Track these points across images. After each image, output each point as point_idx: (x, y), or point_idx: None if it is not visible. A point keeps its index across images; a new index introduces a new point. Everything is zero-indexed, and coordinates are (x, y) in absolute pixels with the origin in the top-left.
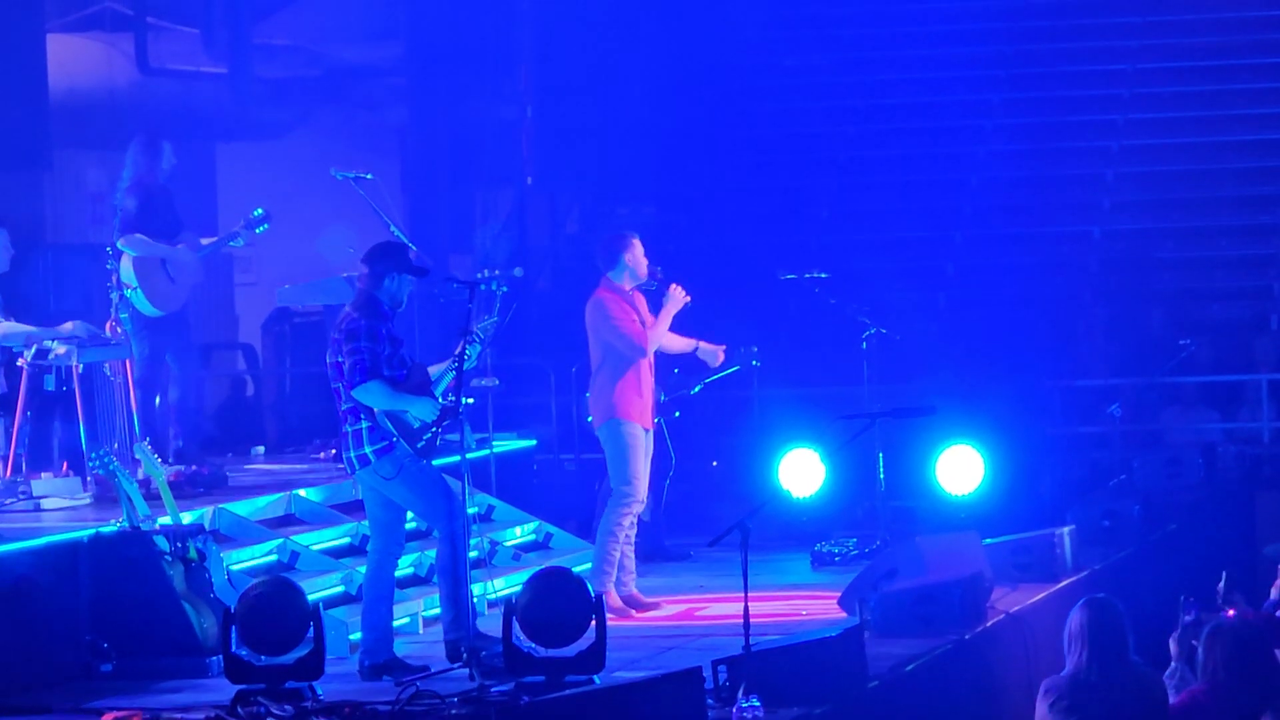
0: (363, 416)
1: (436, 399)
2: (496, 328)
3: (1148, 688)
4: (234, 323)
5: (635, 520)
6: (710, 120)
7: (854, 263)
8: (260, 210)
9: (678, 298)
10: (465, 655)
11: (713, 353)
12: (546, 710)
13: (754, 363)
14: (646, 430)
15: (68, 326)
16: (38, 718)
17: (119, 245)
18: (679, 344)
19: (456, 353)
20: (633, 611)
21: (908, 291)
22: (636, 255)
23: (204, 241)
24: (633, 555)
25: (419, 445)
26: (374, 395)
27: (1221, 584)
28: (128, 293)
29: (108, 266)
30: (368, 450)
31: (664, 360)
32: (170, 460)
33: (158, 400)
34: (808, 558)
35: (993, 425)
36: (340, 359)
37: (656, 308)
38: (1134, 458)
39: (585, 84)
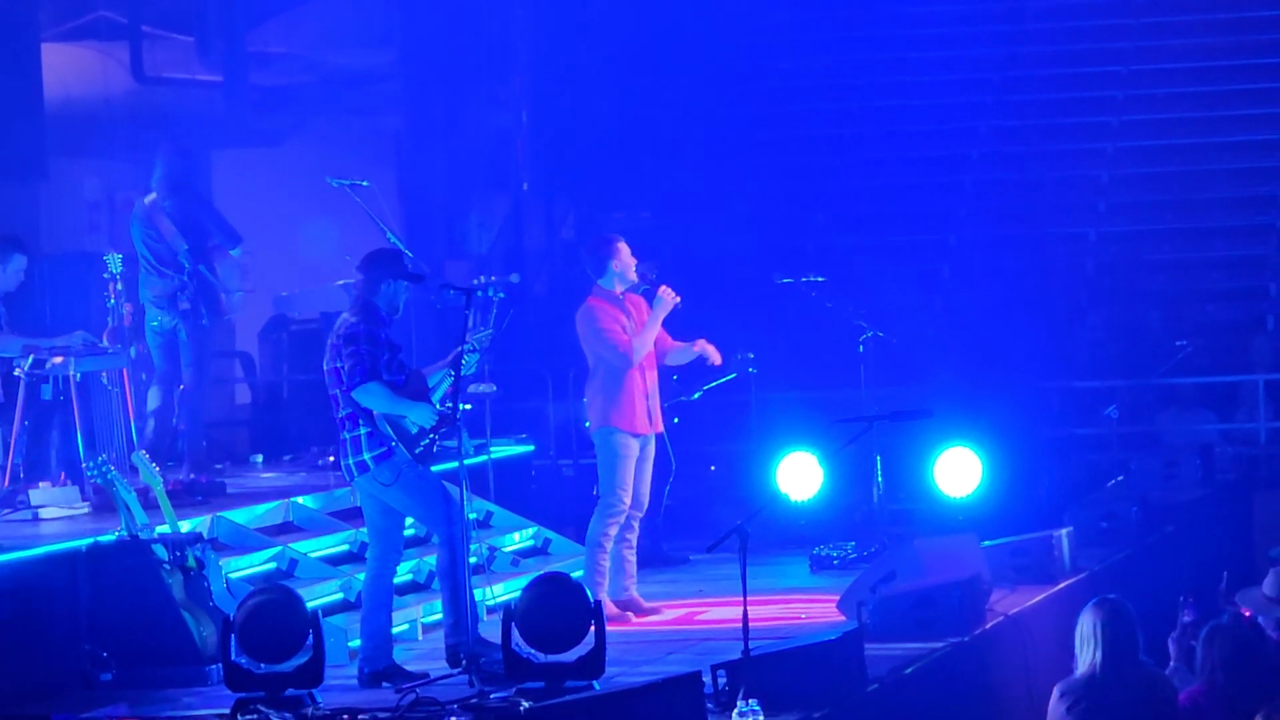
0: (361, 423)
1: (435, 405)
2: (493, 336)
3: (1159, 688)
4: (230, 330)
5: (635, 526)
6: (705, 124)
7: (850, 266)
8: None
9: (667, 300)
10: (465, 661)
11: (709, 353)
12: (546, 716)
13: (750, 369)
14: (641, 436)
15: (76, 336)
16: None
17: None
18: (681, 354)
19: (453, 359)
20: (630, 616)
21: (904, 294)
22: (623, 259)
23: None
24: (634, 559)
25: (417, 451)
26: (374, 397)
27: (1223, 584)
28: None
29: (183, 263)
30: (366, 456)
31: (663, 366)
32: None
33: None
34: (806, 561)
35: (990, 427)
36: (340, 363)
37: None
38: (1131, 459)
39: (580, 89)
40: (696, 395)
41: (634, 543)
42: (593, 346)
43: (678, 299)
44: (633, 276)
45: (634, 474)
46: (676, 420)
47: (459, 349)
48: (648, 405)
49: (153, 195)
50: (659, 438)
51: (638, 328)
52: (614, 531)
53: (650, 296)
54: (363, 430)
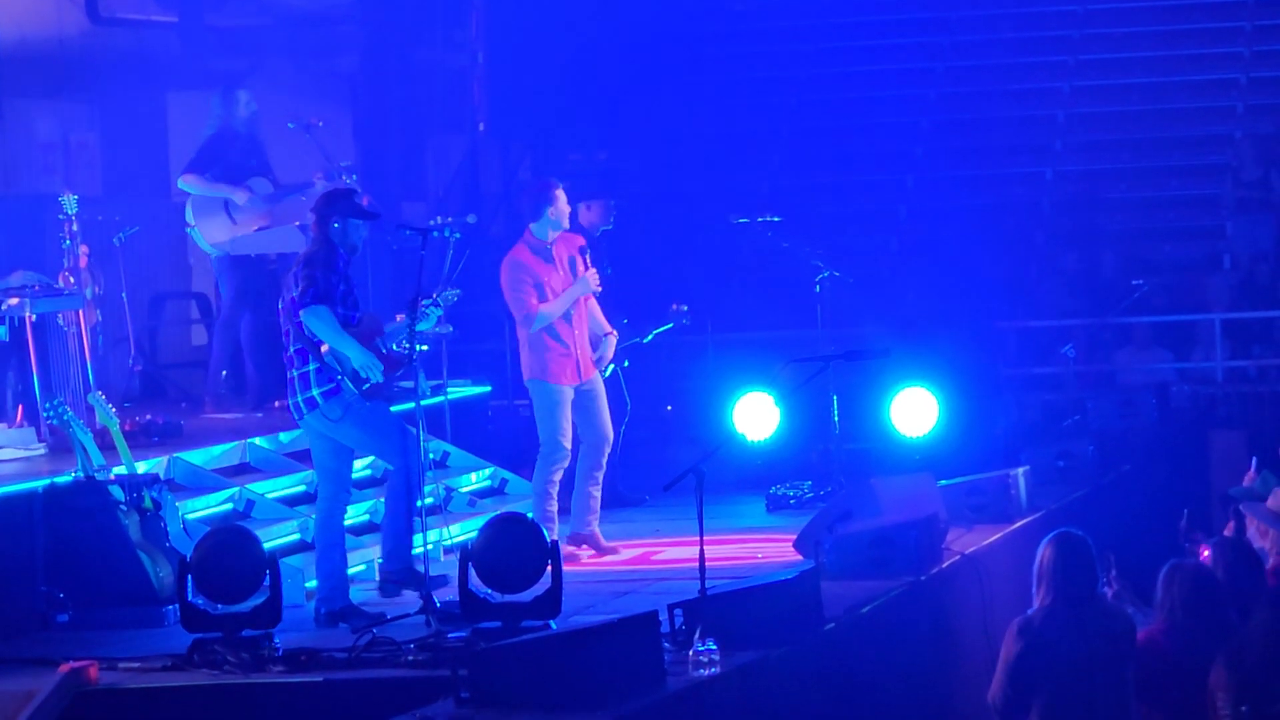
0: (310, 358)
1: (379, 360)
2: (451, 279)
3: (1116, 623)
4: (187, 272)
5: (603, 464)
6: (662, 66)
7: (807, 206)
8: (348, 161)
9: (589, 282)
10: (423, 601)
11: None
12: (503, 656)
13: (684, 321)
14: (573, 385)
15: (15, 276)
16: None
17: (179, 184)
18: (594, 326)
19: (416, 310)
20: (581, 555)
21: (860, 234)
22: (560, 207)
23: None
24: (599, 495)
25: (364, 387)
26: (321, 321)
27: (1183, 523)
28: (190, 231)
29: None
30: (315, 393)
31: (614, 309)
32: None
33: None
34: (763, 501)
35: (947, 367)
36: (294, 290)
37: (598, 250)
38: (1088, 398)
39: (537, 30)
40: (648, 338)
41: (600, 479)
42: (507, 301)
43: (598, 288)
44: (566, 224)
45: (588, 414)
46: (627, 363)
47: (417, 296)
48: (576, 357)
49: None
50: (612, 379)
51: (561, 269)
52: (558, 478)
53: (602, 239)
54: (311, 366)
